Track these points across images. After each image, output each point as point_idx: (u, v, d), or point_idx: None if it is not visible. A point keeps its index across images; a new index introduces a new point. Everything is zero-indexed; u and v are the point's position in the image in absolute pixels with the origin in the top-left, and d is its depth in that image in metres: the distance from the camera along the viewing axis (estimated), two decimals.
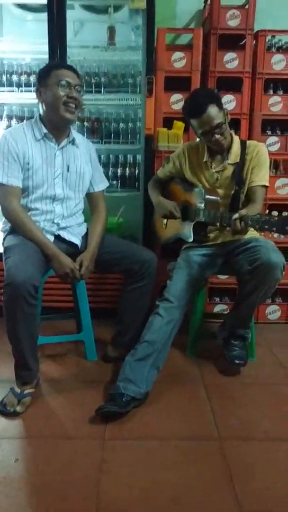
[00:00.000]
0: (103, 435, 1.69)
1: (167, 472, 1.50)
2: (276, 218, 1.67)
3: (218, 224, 2.06)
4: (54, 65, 1.99)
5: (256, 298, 1.99)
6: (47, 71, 1.94)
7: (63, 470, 1.51)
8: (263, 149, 2.15)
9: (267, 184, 2.14)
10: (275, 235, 2.31)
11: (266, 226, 1.69)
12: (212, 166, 2.17)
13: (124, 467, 1.53)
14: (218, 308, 2.82)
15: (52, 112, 1.94)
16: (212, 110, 1.99)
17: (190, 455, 1.60)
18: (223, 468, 1.53)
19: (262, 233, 2.08)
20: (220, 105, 2.04)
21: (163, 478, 1.48)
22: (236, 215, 1.80)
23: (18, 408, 1.81)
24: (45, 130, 1.98)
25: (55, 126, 1.99)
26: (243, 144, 2.15)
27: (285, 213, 1.68)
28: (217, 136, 2.04)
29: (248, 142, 2.18)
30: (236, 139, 2.17)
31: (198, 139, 2.21)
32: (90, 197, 2.21)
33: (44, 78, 1.94)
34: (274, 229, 1.67)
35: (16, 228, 1.94)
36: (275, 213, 1.69)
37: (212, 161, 2.17)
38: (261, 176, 2.12)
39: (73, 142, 2.07)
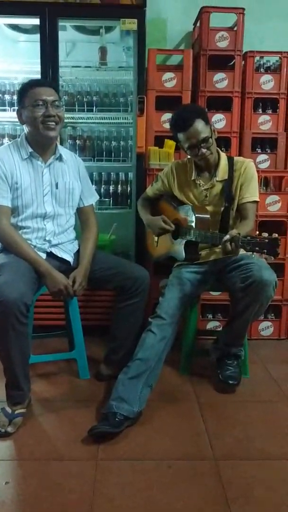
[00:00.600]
0: (96, 455, 1.66)
1: (161, 493, 1.48)
2: (266, 240, 1.65)
3: (209, 244, 2.07)
4: (29, 84, 1.96)
5: (249, 315, 1.99)
6: (23, 92, 1.95)
7: (56, 492, 1.48)
8: (251, 164, 2.17)
9: (257, 199, 2.15)
10: None
11: (257, 248, 1.68)
12: (201, 184, 2.17)
13: (117, 488, 1.50)
14: (211, 325, 2.82)
15: (34, 132, 1.95)
16: (199, 124, 2.01)
17: (184, 476, 1.57)
18: (219, 488, 1.50)
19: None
20: (206, 120, 2.06)
21: (157, 499, 1.45)
22: (227, 237, 1.78)
23: (9, 429, 1.77)
24: (30, 149, 1.98)
25: (40, 144, 2.00)
26: (230, 161, 2.17)
27: (275, 234, 1.67)
28: (204, 150, 2.05)
29: (235, 158, 2.20)
30: (223, 156, 2.18)
31: (186, 158, 2.23)
32: (80, 212, 2.22)
33: (21, 99, 1.95)
34: (265, 251, 1.66)
35: (7, 247, 1.94)
36: (265, 234, 1.69)
37: (200, 179, 2.18)
38: (251, 191, 2.12)
39: (60, 158, 2.07)
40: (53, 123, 1.93)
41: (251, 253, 1.76)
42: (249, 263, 1.95)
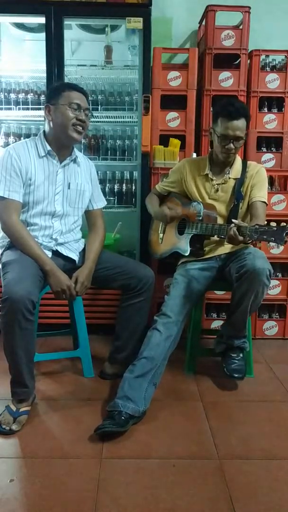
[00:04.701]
0: (100, 454, 1.66)
1: (165, 492, 1.48)
2: (275, 228, 1.68)
3: (216, 236, 2.09)
4: (67, 86, 2.00)
5: (247, 304, 1.99)
6: (59, 90, 1.96)
7: (60, 490, 1.48)
8: (263, 170, 2.23)
9: (267, 202, 2.19)
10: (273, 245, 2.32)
11: (264, 236, 1.70)
12: (213, 179, 2.22)
13: (121, 486, 1.50)
14: (215, 324, 2.82)
15: (60, 131, 1.96)
16: (243, 122, 2.07)
17: (188, 475, 1.57)
18: (222, 488, 1.50)
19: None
20: (248, 125, 2.12)
21: (161, 497, 1.45)
22: (235, 221, 1.84)
23: (14, 427, 1.78)
24: (48, 147, 2.00)
25: (60, 145, 2.01)
26: (244, 163, 2.24)
27: (283, 223, 1.69)
28: (232, 146, 2.09)
29: (248, 162, 2.27)
30: (238, 158, 2.25)
31: (199, 157, 2.23)
32: (88, 215, 2.23)
33: (55, 96, 1.96)
34: (273, 238, 1.68)
35: (14, 242, 1.94)
36: (273, 223, 1.70)
37: (213, 174, 2.22)
38: (262, 193, 2.17)
39: (75, 160, 2.09)
40: (81, 128, 1.97)
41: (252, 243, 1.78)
42: (245, 253, 1.99)
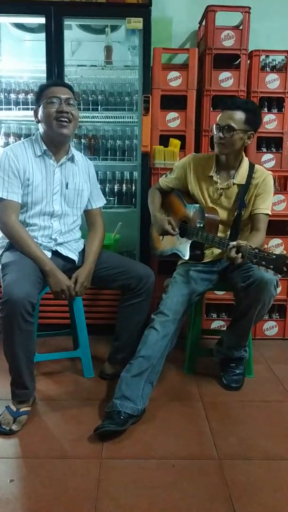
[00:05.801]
0: (100, 454, 1.66)
1: (165, 492, 1.48)
2: (274, 257, 1.63)
3: (215, 247, 2.06)
4: (45, 85, 2.03)
5: (253, 315, 1.98)
6: (39, 92, 2.00)
7: (60, 490, 1.48)
8: (270, 177, 2.16)
9: (270, 213, 2.15)
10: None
11: (263, 262, 1.65)
12: (218, 182, 2.17)
13: (121, 487, 1.50)
14: (215, 324, 2.82)
15: (48, 129, 1.97)
16: (238, 114, 2.03)
17: (188, 475, 1.57)
18: (222, 488, 1.50)
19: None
20: (248, 121, 2.04)
21: (161, 498, 1.45)
22: (233, 243, 1.78)
23: (14, 427, 1.78)
24: (44, 147, 2.00)
25: (54, 143, 2.01)
26: (251, 167, 2.17)
27: (283, 251, 1.65)
28: (220, 135, 2.05)
29: (256, 166, 2.19)
30: (246, 160, 2.19)
31: (207, 154, 2.20)
32: (88, 214, 2.23)
33: (37, 99, 2.00)
34: (271, 267, 1.64)
35: (13, 243, 1.95)
36: (275, 249, 1.67)
37: (218, 177, 2.18)
38: (266, 204, 2.13)
39: (72, 159, 2.09)
40: (66, 120, 1.95)
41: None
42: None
